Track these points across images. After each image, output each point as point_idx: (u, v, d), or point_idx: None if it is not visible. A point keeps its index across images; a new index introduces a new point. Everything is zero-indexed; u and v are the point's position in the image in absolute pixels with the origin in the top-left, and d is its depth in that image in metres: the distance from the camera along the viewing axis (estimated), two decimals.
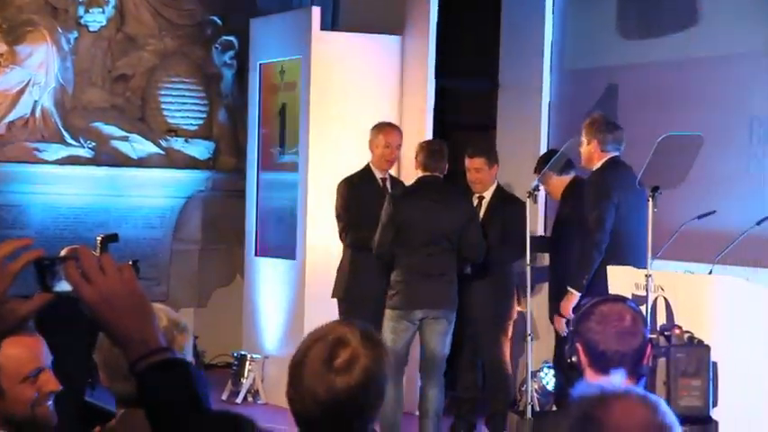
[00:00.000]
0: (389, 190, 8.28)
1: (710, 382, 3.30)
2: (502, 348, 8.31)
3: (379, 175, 8.40)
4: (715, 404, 3.33)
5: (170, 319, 3.29)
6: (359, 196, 8.27)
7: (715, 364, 3.38)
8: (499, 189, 8.51)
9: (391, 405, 7.65)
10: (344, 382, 2.64)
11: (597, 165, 7.44)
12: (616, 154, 7.44)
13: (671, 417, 2.12)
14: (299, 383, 2.68)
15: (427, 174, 7.90)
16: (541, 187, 8.16)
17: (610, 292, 7.08)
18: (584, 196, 7.38)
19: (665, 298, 6.59)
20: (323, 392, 2.64)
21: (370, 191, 8.29)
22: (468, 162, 8.44)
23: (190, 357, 3.32)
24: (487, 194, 8.46)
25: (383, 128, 8.43)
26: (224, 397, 9.68)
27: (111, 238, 2.61)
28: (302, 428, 2.73)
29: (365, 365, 2.66)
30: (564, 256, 7.72)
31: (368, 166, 8.44)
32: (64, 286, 2.24)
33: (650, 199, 6.74)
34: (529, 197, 7.66)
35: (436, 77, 9.46)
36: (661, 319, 6.59)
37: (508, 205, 8.27)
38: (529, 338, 7.65)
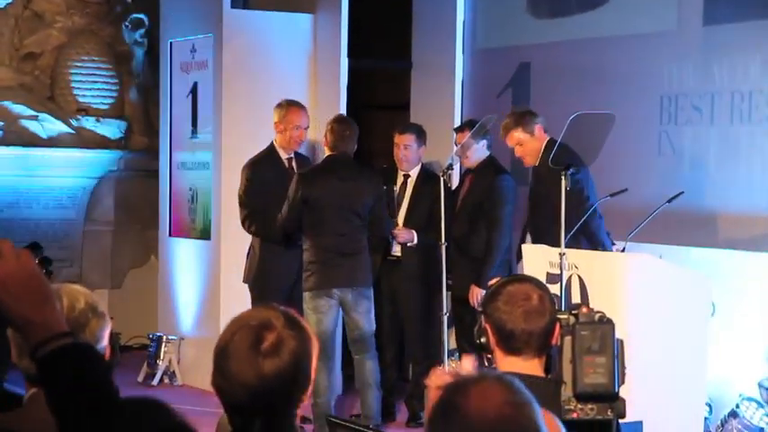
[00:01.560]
0: (295, 170, 8.19)
1: (615, 359, 3.34)
2: (427, 331, 8.36)
3: (284, 155, 8.32)
4: (622, 381, 3.38)
5: (88, 302, 3.23)
6: (264, 179, 8.17)
7: (621, 341, 3.42)
8: (424, 170, 8.53)
9: (324, 388, 7.68)
10: (273, 365, 2.64)
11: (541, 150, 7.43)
12: (551, 137, 7.38)
13: (527, 394, 2.17)
14: (226, 370, 2.67)
15: (335, 153, 7.87)
16: (455, 165, 8.21)
17: (525, 270, 7.18)
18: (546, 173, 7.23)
19: (579, 276, 6.67)
20: (252, 377, 2.63)
21: (276, 173, 8.19)
22: (397, 138, 8.45)
23: (103, 345, 3.26)
24: (413, 174, 8.49)
25: (291, 107, 8.29)
26: (140, 379, 9.63)
27: (35, 249, 2.57)
28: (232, 415, 2.71)
29: (292, 347, 2.67)
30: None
31: (272, 146, 8.33)
32: None
33: (563, 178, 6.81)
34: (443, 175, 7.69)
35: (349, 57, 9.45)
36: (575, 297, 6.68)
37: (435, 186, 8.08)
38: (445, 318, 7.69)
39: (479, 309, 3.63)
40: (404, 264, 8.40)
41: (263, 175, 8.19)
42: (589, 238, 7.09)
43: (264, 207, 8.04)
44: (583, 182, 7.14)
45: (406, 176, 8.49)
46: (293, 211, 7.75)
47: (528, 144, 7.49)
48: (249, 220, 8.17)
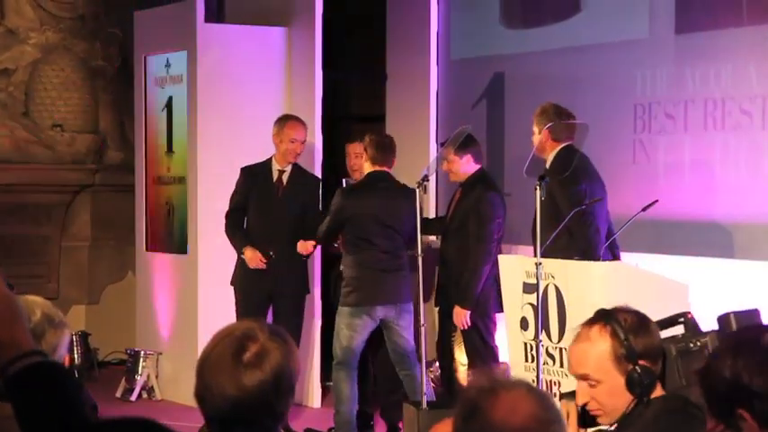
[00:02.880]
0: (284, 183, 8.42)
1: None
2: None
3: (277, 167, 8.49)
4: None
5: (44, 313, 3.23)
6: (252, 185, 8.46)
7: None
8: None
9: (347, 398, 7.83)
10: (255, 377, 2.63)
11: (552, 154, 7.27)
12: (570, 143, 7.29)
13: (557, 413, 2.21)
14: (207, 380, 2.66)
15: (376, 168, 7.93)
16: (431, 177, 8.19)
17: (502, 280, 7.19)
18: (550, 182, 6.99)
19: (555, 285, 6.69)
20: (232, 388, 2.62)
21: (263, 183, 8.46)
22: (348, 147, 8.49)
23: (63, 352, 3.25)
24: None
25: (287, 121, 8.50)
26: (118, 394, 9.60)
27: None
28: (212, 428, 2.71)
29: (275, 359, 2.66)
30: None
31: (270, 158, 8.55)
32: None
33: (537, 188, 6.83)
34: (418, 187, 7.68)
35: (324, 69, 9.46)
36: (552, 307, 6.70)
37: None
38: (422, 329, 7.69)
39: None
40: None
41: (252, 181, 8.48)
42: (583, 253, 6.93)
43: (242, 207, 8.45)
44: (582, 194, 7.06)
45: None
46: (335, 224, 7.93)
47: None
48: (226, 219, 8.51)
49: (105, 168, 11.21)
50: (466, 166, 8.01)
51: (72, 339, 9.06)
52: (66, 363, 3.30)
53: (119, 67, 11.26)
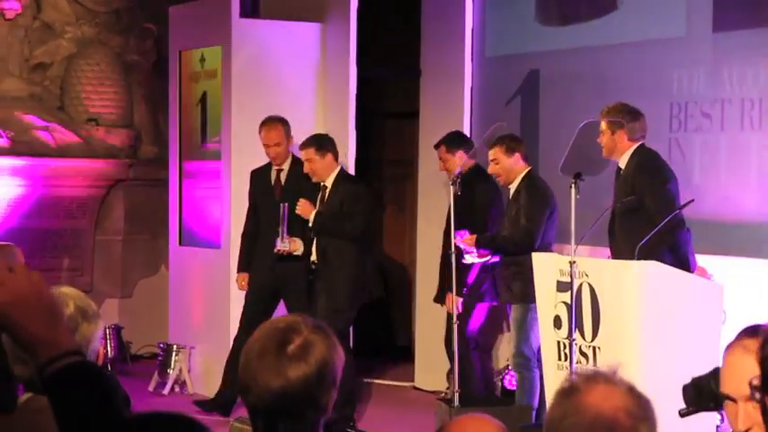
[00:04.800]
0: (282, 182, 8.68)
1: None
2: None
3: (275, 167, 8.77)
4: None
5: (77, 305, 3.22)
6: (255, 187, 8.87)
7: None
8: (341, 174, 8.49)
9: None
10: (299, 369, 2.63)
11: (627, 153, 7.11)
12: (643, 142, 7.17)
13: (650, 414, 2.31)
14: (252, 373, 2.66)
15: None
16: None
17: (535, 278, 7.15)
18: (635, 181, 7.00)
19: (589, 284, 6.66)
20: (277, 380, 2.62)
21: (263, 183, 8.79)
22: (300, 153, 8.46)
23: (97, 345, 3.25)
24: (329, 182, 8.44)
25: (261, 127, 8.73)
26: (150, 388, 9.63)
27: None
28: (256, 421, 2.70)
29: (318, 352, 2.66)
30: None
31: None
32: None
33: (572, 186, 6.80)
34: (453, 184, 7.68)
35: (358, 65, 9.45)
36: (586, 306, 6.67)
37: (348, 186, 8.40)
38: (455, 324, 7.69)
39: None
40: (319, 271, 8.43)
41: (255, 182, 8.87)
42: (673, 251, 6.85)
43: (251, 213, 8.87)
44: (674, 192, 6.97)
45: (324, 187, 8.47)
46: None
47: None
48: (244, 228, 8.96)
49: (139, 162, 11.25)
50: (459, 161, 8.15)
51: (105, 333, 9.11)
52: (101, 356, 3.30)
53: (154, 62, 11.29)
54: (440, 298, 8.53)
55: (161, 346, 9.86)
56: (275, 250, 8.43)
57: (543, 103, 9.04)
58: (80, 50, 11.11)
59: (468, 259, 7.95)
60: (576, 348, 6.68)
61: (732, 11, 7.70)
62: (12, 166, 10.74)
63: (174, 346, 9.67)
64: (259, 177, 8.84)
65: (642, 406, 2.32)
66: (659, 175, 7.00)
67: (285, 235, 8.38)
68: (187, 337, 9.80)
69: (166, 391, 9.55)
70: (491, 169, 7.94)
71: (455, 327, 7.70)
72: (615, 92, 8.15)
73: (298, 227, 8.43)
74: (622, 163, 7.11)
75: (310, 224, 8.34)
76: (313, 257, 8.45)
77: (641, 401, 2.33)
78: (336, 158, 8.45)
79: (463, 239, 7.81)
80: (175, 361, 9.63)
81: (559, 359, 6.87)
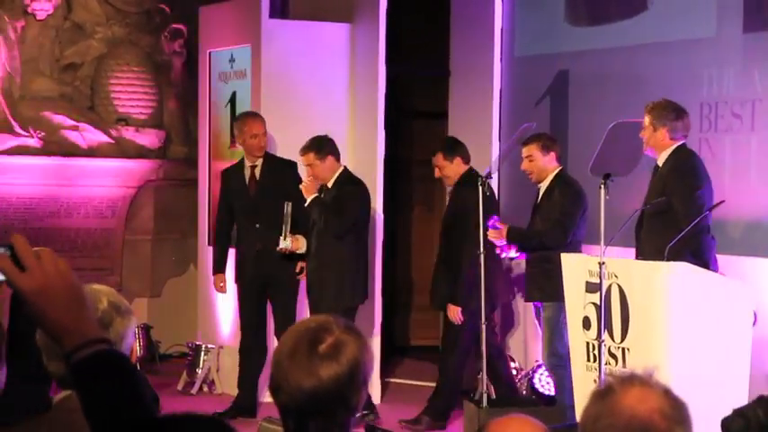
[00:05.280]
0: (257, 178, 8.75)
1: None
2: None
3: (248, 164, 8.85)
4: None
5: (111, 301, 3.23)
6: (228, 186, 8.95)
7: None
8: (343, 174, 8.48)
9: None
10: (330, 369, 2.63)
11: (666, 152, 7.06)
12: (684, 142, 7.12)
13: (686, 417, 2.34)
14: (283, 372, 2.66)
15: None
16: (494, 174, 8.17)
17: (565, 279, 7.14)
18: (668, 182, 6.97)
19: (618, 285, 6.64)
20: (308, 379, 2.63)
21: (238, 182, 8.86)
22: (300, 159, 8.48)
23: (130, 340, 3.27)
24: (330, 184, 8.46)
25: (245, 119, 8.86)
26: (179, 387, 9.66)
27: None
28: (287, 420, 2.70)
29: (350, 352, 2.66)
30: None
31: (243, 157, 8.93)
32: None
33: (602, 186, 6.78)
34: (481, 185, 7.67)
35: (387, 65, 9.45)
36: (615, 307, 6.65)
37: (348, 188, 8.40)
38: (483, 326, 7.68)
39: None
40: (311, 271, 8.48)
41: (227, 182, 8.97)
42: (696, 256, 6.78)
43: (222, 214, 8.96)
44: (705, 198, 6.91)
45: (326, 189, 8.47)
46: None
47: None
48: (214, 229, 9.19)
49: (169, 162, 11.28)
50: (456, 168, 8.25)
51: (135, 333, 9.14)
52: (135, 353, 3.32)
53: (183, 62, 11.33)
54: (437, 304, 8.49)
55: (190, 345, 9.89)
56: (278, 249, 8.44)
57: (572, 104, 9.02)
58: (110, 51, 11.16)
59: (504, 255, 7.96)
60: (604, 349, 6.66)
61: (762, 11, 7.66)
62: (42, 165, 10.79)
63: (203, 346, 9.69)
64: (231, 176, 8.94)
65: (678, 408, 2.34)
66: (693, 179, 6.96)
67: (288, 234, 8.40)
68: (216, 336, 9.82)
69: (195, 390, 9.57)
70: (524, 166, 7.90)
71: (483, 328, 7.69)
72: (645, 92, 8.12)
73: (300, 226, 8.47)
74: (660, 161, 7.08)
75: (306, 204, 8.32)
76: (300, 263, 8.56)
77: (677, 404, 2.35)
78: (338, 159, 8.44)
79: (494, 228, 7.79)
80: (204, 360, 9.65)
81: (588, 360, 6.85)
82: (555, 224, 7.70)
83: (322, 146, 8.36)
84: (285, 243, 8.42)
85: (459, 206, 8.21)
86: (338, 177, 8.40)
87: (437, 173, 8.41)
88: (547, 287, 7.71)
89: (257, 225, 8.69)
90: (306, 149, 8.37)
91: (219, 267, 8.98)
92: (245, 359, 8.86)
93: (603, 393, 2.36)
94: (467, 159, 8.33)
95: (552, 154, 7.86)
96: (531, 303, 8.22)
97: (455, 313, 8.15)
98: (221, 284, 8.95)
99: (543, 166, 7.85)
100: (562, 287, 7.27)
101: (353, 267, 8.45)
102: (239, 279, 8.88)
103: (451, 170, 8.27)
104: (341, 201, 8.33)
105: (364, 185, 8.54)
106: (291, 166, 8.83)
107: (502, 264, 8.60)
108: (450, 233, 8.28)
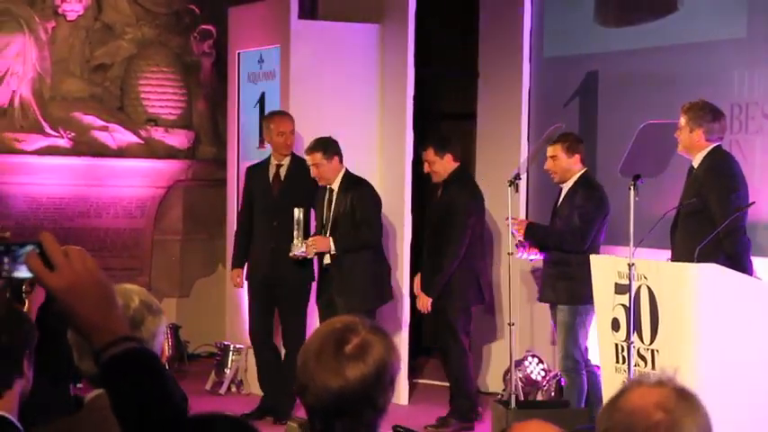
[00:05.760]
0: (281, 177, 8.78)
1: None
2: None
3: (274, 162, 8.85)
4: None
5: (142, 300, 3.24)
6: (253, 183, 8.94)
7: None
8: (346, 176, 8.55)
9: None
10: (357, 369, 2.63)
11: (702, 153, 6.99)
12: (720, 143, 7.05)
13: (696, 408, 2.39)
14: (309, 373, 2.66)
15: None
16: (523, 175, 8.15)
17: (593, 281, 7.12)
18: (704, 182, 6.92)
19: (648, 287, 6.61)
20: (334, 380, 2.62)
21: (263, 180, 8.85)
22: (307, 159, 8.51)
23: (161, 339, 3.28)
24: (335, 185, 8.53)
25: (272, 117, 8.89)
26: (207, 387, 9.68)
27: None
28: (313, 421, 2.70)
29: (377, 352, 2.66)
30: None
31: (270, 155, 8.94)
32: (23, 272, 2.20)
33: (631, 188, 6.76)
34: (510, 186, 7.66)
35: (415, 66, 9.45)
36: (645, 309, 6.62)
37: (357, 191, 8.47)
38: (511, 327, 7.67)
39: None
40: (335, 272, 8.50)
41: (251, 179, 8.97)
42: (731, 257, 6.72)
43: (243, 213, 8.97)
44: (740, 201, 6.85)
45: (331, 190, 8.55)
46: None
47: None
48: (236, 226, 9.14)
49: (198, 163, 11.32)
50: (446, 164, 8.36)
51: (165, 331, 9.16)
52: (165, 352, 3.35)
53: (213, 63, 11.36)
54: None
55: (218, 345, 9.91)
56: (291, 255, 8.43)
57: (602, 105, 8.99)
58: (140, 51, 11.20)
59: (525, 256, 7.96)
60: (634, 351, 6.64)
61: None
62: (72, 165, 10.84)
63: (231, 346, 9.71)
64: (256, 173, 8.95)
65: (685, 400, 2.38)
66: (729, 181, 6.92)
67: (301, 240, 8.40)
68: (244, 336, 9.81)
69: (223, 390, 9.59)
70: (547, 165, 7.91)
71: (510, 329, 7.68)
72: (675, 93, 8.10)
73: (317, 229, 8.53)
74: (696, 162, 7.04)
75: (332, 252, 8.40)
76: (326, 260, 8.52)
77: (684, 396, 2.39)
78: (341, 161, 8.50)
79: (516, 224, 7.82)
80: (232, 360, 9.66)
81: (617, 362, 6.83)
82: (575, 230, 7.70)
83: (328, 146, 8.44)
84: (300, 249, 8.40)
85: (447, 204, 8.33)
86: (343, 178, 8.49)
87: (427, 168, 8.48)
88: (560, 289, 7.73)
89: (275, 224, 8.68)
90: (313, 149, 8.44)
91: (238, 262, 8.97)
92: (257, 359, 8.91)
93: (617, 394, 2.42)
94: (457, 157, 8.44)
95: (577, 156, 7.85)
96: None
97: (425, 303, 8.36)
98: (238, 279, 8.93)
99: (567, 166, 7.84)
100: (578, 290, 7.28)
101: (377, 270, 8.55)
102: (250, 277, 8.88)
103: (441, 166, 8.39)
104: (362, 209, 8.42)
105: (370, 185, 8.63)
106: None
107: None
108: (439, 231, 8.37)
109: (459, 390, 8.46)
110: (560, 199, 7.95)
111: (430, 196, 8.78)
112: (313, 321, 8.74)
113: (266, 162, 8.94)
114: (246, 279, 8.93)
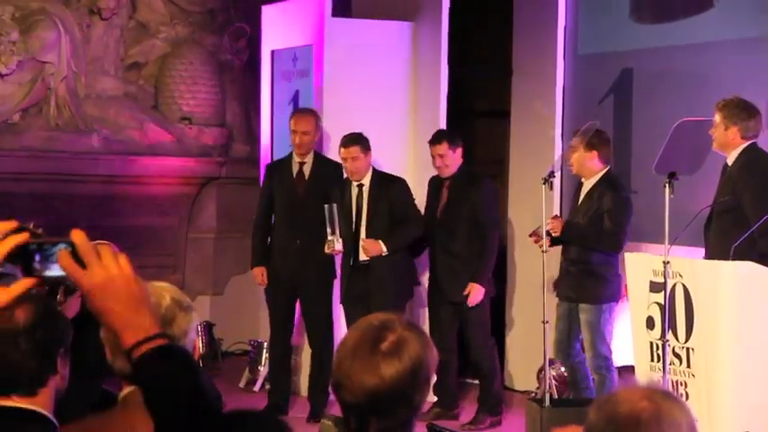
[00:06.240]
0: (305, 175, 8.76)
1: None
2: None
3: (297, 160, 8.82)
4: None
5: (173, 298, 3.25)
6: (273, 181, 8.89)
7: None
8: (376, 174, 8.62)
9: None
10: (392, 366, 2.62)
11: (737, 151, 6.93)
12: (755, 141, 6.98)
13: (675, 409, 2.38)
14: (345, 370, 2.65)
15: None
16: (557, 174, 8.12)
17: (628, 279, 7.08)
18: (738, 180, 6.87)
19: (683, 285, 6.58)
20: (370, 377, 2.62)
21: (285, 177, 8.81)
22: (342, 152, 8.54)
23: (193, 336, 3.28)
24: (366, 181, 8.58)
25: (295, 115, 8.92)
26: (241, 385, 9.70)
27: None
28: (348, 418, 2.70)
29: (413, 349, 2.65)
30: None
31: (291, 152, 8.92)
32: (55, 271, 2.20)
33: (667, 186, 6.72)
34: (544, 183, 7.64)
35: (449, 64, 9.43)
36: (680, 307, 6.59)
37: (390, 189, 8.53)
38: (545, 324, 7.65)
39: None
40: (372, 269, 8.51)
41: (272, 177, 8.92)
42: (765, 256, 6.60)
43: (263, 216, 8.90)
44: None
45: (360, 186, 8.58)
46: None
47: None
48: (254, 225, 9.02)
49: (231, 161, 11.34)
50: (458, 159, 8.52)
51: (197, 330, 9.20)
52: (197, 349, 3.35)
53: (246, 61, 11.38)
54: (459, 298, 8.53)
55: (252, 343, 9.92)
56: (330, 251, 8.41)
57: (636, 102, 8.94)
58: (174, 50, 11.23)
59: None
60: (669, 350, 6.61)
61: None
62: (106, 164, 10.88)
63: (265, 344, 9.70)
64: (278, 170, 8.92)
65: (671, 397, 2.42)
66: (763, 180, 6.85)
67: (338, 235, 8.40)
68: None
69: (257, 388, 9.60)
70: (565, 154, 7.99)
71: (544, 327, 7.66)
72: (710, 91, 8.05)
73: (344, 226, 8.49)
74: (730, 160, 6.98)
75: (385, 253, 8.43)
76: (363, 257, 8.54)
77: (670, 394, 2.44)
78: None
79: (551, 222, 7.82)
80: (266, 358, 9.66)
81: (652, 360, 6.79)
82: (611, 235, 7.70)
83: (366, 142, 8.52)
84: (337, 245, 8.40)
85: (459, 203, 8.45)
86: (374, 175, 8.56)
87: (438, 161, 8.53)
88: (583, 288, 7.73)
89: (301, 221, 8.68)
90: (352, 142, 8.49)
91: (260, 260, 8.91)
92: (277, 358, 8.92)
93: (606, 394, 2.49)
94: (464, 153, 8.57)
95: (594, 153, 7.80)
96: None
97: (479, 293, 8.36)
98: (262, 277, 8.87)
99: (582, 161, 7.84)
100: (602, 290, 7.31)
101: (409, 265, 8.63)
102: (272, 275, 8.83)
103: (452, 159, 8.49)
104: (402, 205, 8.51)
105: (401, 178, 8.71)
106: (338, 167, 8.85)
107: None
108: (457, 229, 8.44)
109: (491, 383, 8.56)
110: (580, 198, 7.95)
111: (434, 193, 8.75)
112: (338, 318, 8.79)
113: (288, 160, 8.92)
114: (267, 276, 8.89)
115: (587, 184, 7.90)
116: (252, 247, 9.03)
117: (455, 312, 8.53)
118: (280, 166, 8.96)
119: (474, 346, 8.57)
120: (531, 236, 7.98)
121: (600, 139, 7.84)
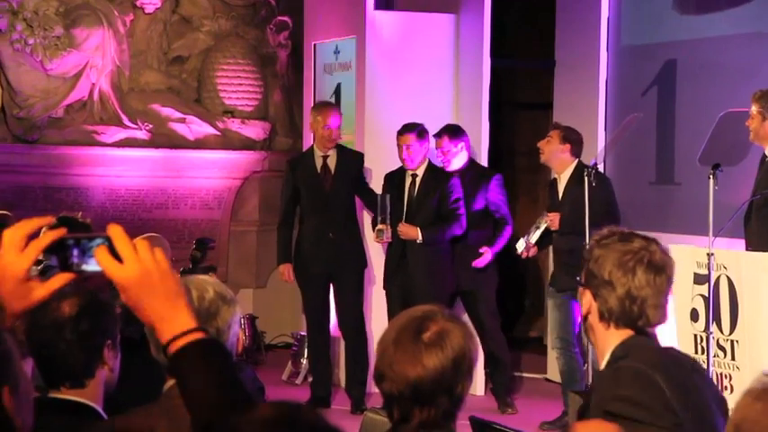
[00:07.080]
0: (331, 169, 8.75)
1: None
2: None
3: (319, 154, 8.80)
4: None
5: (216, 291, 3.24)
6: (296, 177, 8.84)
7: None
8: (430, 166, 8.66)
9: None
10: (434, 357, 2.64)
11: None
12: None
13: None
14: (388, 360, 2.67)
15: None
16: (600, 165, 8.09)
17: None
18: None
19: (727, 276, 6.54)
20: (412, 367, 2.63)
21: (310, 171, 8.77)
22: (398, 140, 8.59)
23: (236, 329, 3.29)
24: (420, 171, 8.62)
25: (322, 109, 8.85)
26: (284, 377, 9.73)
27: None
28: (391, 408, 2.70)
29: (455, 340, 2.66)
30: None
31: (312, 147, 8.91)
32: (92, 266, 2.19)
33: (711, 177, 6.68)
34: (587, 176, 7.61)
35: (492, 56, 9.41)
36: (724, 299, 6.55)
37: (442, 181, 8.56)
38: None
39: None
40: (410, 260, 8.55)
41: (295, 172, 8.86)
42: None
43: (289, 211, 8.90)
44: None
45: (414, 175, 8.63)
46: None
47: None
48: (278, 226, 9.01)
49: (274, 154, 11.37)
50: (460, 156, 8.60)
51: (240, 322, 9.24)
52: (241, 341, 3.36)
53: (289, 54, 11.40)
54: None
55: (295, 335, 9.95)
56: (380, 240, 8.50)
57: (680, 94, 8.89)
58: (217, 43, 11.28)
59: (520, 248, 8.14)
60: (713, 342, 6.57)
61: None
62: (150, 157, 10.95)
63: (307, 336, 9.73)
64: (301, 165, 8.89)
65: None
66: None
67: (387, 224, 8.47)
68: None
69: (299, 380, 9.62)
70: (540, 143, 8.16)
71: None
72: (754, 82, 7.98)
73: (395, 216, 8.54)
74: None
75: (420, 240, 8.48)
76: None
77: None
78: (428, 148, 8.63)
79: (549, 218, 7.93)
80: (308, 351, 9.69)
81: (696, 352, 6.76)
82: (607, 216, 7.70)
83: (422, 131, 8.58)
84: (387, 234, 8.45)
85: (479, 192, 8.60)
86: (429, 165, 8.61)
87: (441, 156, 8.62)
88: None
89: (330, 214, 8.70)
90: (410, 129, 8.54)
91: (286, 257, 8.89)
92: (316, 351, 8.94)
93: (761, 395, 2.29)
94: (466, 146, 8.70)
95: (568, 146, 8.03)
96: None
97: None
98: (289, 273, 8.85)
99: (554, 152, 8.05)
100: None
101: (450, 257, 8.66)
102: (304, 269, 8.81)
103: (456, 155, 8.60)
104: (447, 201, 8.56)
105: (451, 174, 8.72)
106: (361, 158, 8.93)
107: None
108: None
109: (505, 365, 8.81)
110: (560, 191, 8.11)
111: (507, 187, 8.78)
112: (370, 308, 8.89)
113: (309, 154, 8.91)
114: (298, 267, 8.86)
115: (563, 178, 8.06)
116: (277, 244, 9.00)
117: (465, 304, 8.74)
118: (302, 161, 8.95)
119: (486, 330, 8.61)
120: (520, 255, 8.19)
121: (576, 135, 8.06)
